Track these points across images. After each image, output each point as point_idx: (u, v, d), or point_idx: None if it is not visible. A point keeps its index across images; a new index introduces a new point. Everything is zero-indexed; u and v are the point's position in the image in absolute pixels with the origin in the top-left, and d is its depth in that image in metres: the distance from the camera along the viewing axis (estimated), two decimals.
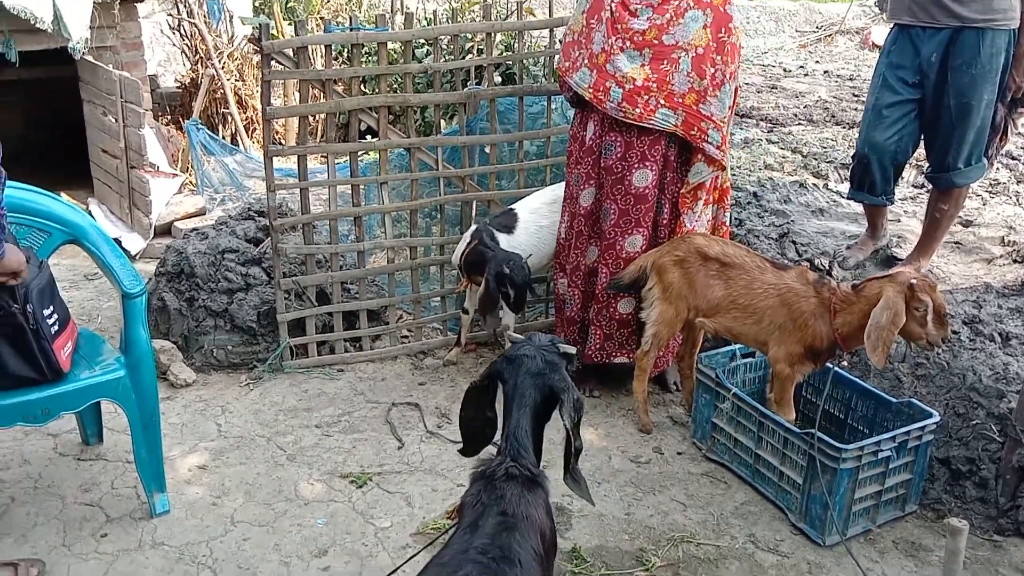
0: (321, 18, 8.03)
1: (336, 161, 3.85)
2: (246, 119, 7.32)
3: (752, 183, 5.29)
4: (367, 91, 3.96)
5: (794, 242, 4.38)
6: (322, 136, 4.78)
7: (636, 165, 3.37)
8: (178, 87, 7.56)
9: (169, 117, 7.41)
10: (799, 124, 6.87)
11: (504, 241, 3.80)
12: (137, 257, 5.31)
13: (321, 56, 4.84)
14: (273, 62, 3.46)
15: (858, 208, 4.73)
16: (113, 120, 5.32)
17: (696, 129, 3.29)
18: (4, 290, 2.52)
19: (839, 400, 3.30)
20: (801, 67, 10.02)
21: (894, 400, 3.08)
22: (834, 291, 3.04)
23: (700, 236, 3.44)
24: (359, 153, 3.89)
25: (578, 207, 3.58)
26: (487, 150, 4.09)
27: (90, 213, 5.76)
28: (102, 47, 5.58)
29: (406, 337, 4.23)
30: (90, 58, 5.39)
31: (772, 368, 3.20)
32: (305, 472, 3.25)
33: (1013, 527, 2.90)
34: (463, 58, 3.94)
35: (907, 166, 5.20)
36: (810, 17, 13.23)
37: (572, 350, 2.16)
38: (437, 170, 3.93)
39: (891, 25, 3.87)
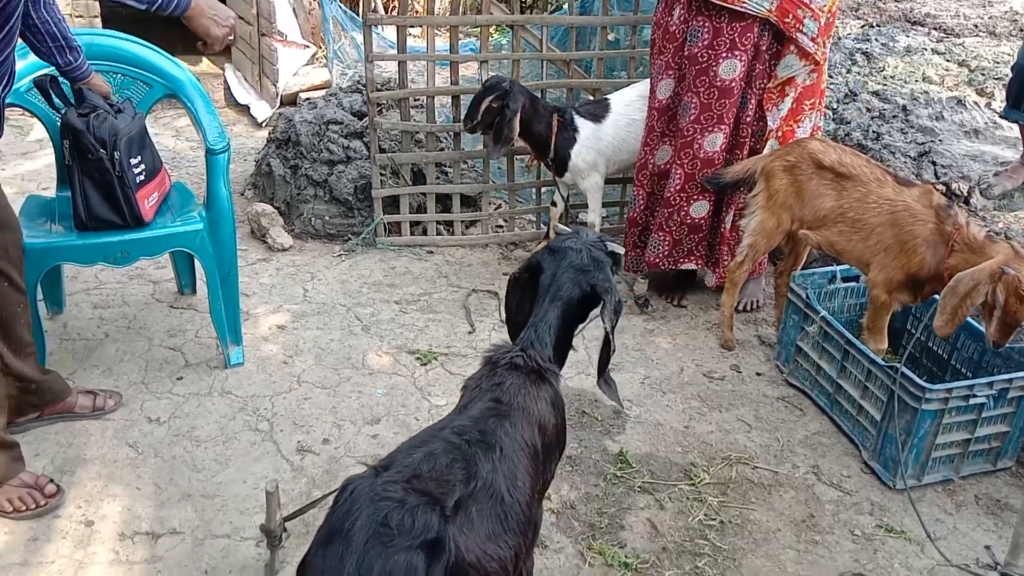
0: None
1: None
2: None
3: (903, 95, 4.79)
4: None
5: (933, 162, 3.95)
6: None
7: (724, 54, 3.07)
8: None
9: None
10: (977, 36, 6.11)
11: (588, 129, 3.60)
12: (263, 124, 5.47)
13: None
14: None
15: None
16: None
17: (791, 16, 2.94)
18: (95, 138, 2.62)
19: (945, 338, 2.99)
20: None
21: (1005, 344, 2.74)
22: (959, 226, 2.65)
23: (816, 141, 3.13)
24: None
25: (655, 100, 3.32)
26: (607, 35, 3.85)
27: (226, 79, 5.97)
28: None
29: (500, 227, 4.16)
30: None
31: (869, 292, 2.91)
32: (376, 344, 3.30)
33: None
34: None
35: None
36: None
37: (620, 250, 2.01)
38: (541, 52, 3.75)
39: None
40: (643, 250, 3.53)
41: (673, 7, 3.20)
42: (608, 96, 3.71)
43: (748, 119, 3.21)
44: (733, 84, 3.12)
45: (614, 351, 1.99)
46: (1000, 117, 4.07)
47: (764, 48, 3.09)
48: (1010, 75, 3.65)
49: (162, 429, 2.77)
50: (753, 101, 3.19)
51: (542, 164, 3.82)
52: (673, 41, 3.22)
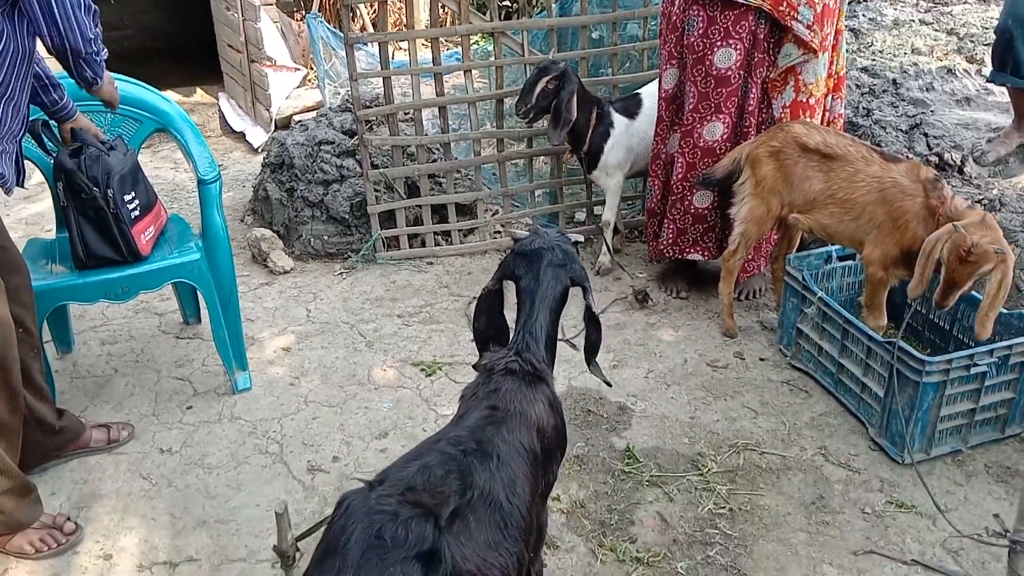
0: None
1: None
2: (373, 13, 7.33)
3: (893, 69, 4.77)
4: None
5: (925, 134, 3.94)
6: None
7: (719, 43, 3.08)
8: None
9: (303, 12, 7.54)
10: (965, 3, 6.08)
11: (622, 125, 3.63)
12: (259, 150, 5.51)
13: None
14: None
15: None
16: (234, 14, 5.45)
17: (785, 4, 2.94)
18: (87, 177, 2.67)
19: (945, 309, 2.97)
20: None
21: (1004, 311, 2.74)
22: (944, 199, 2.67)
23: (799, 125, 3.14)
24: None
25: (662, 90, 3.34)
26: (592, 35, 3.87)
27: (220, 108, 6.02)
28: None
29: (498, 232, 4.18)
30: None
31: (865, 270, 2.92)
32: (380, 359, 3.33)
33: None
34: None
35: None
36: None
37: (581, 238, 2.10)
38: (523, 56, 3.77)
39: None
40: (658, 241, 3.55)
41: None
42: (640, 91, 3.73)
43: (751, 108, 3.21)
44: (730, 73, 3.13)
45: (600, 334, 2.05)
46: (987, 81, 4.06)
47: (762, 37, 3.09)
48: (995, 38, 3.64)
49: (174, 459, 2.81)
50: (755, 90, 3.18)
51: (534, 165, 3.84)
52: (674, 31, 3.24)
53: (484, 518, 1.49)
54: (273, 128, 5.54)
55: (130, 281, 2.81)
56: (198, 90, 6.35)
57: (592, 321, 2.01)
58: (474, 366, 2.07)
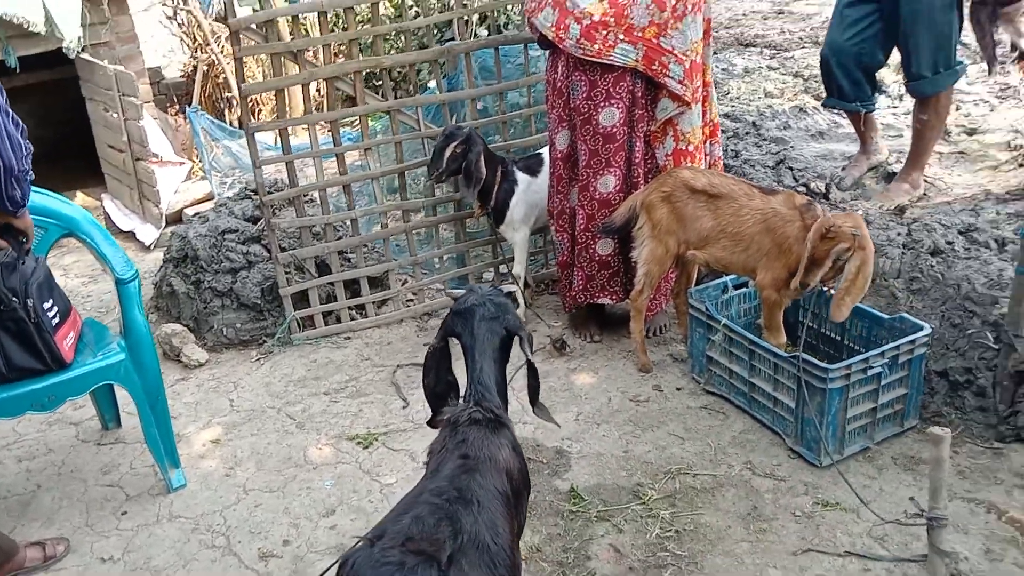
0: None
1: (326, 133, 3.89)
2: (251, 101, 7.39)
3: (751, 113, 5.21)
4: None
5: (791, 168, 4.33)
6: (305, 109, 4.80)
7: (602, 104, 3.36)
8: (182, 76, 7.66)
9: (177, 107, 7.53)
10: (803, 48, 6.71)
11: (524, 182, 3.87)
12: (152, 247, 5.44)
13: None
14: (243, 38, 3.50)
15: None
16: (114, 115, 5.42)
17: (657, 63, 3.25)
18: (5, 287, 2.63)
19: (835, 323, 3.27)
20: None
21: (886, 317, 3.06)
22: (817, 218, 2.99)
23: (686, 170, 3.42)
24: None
25: (556, 151, 3.58)
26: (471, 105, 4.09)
27: (105, 209, 5.91)
28: (97, 44, 5.68)
29: (411, 301, 4.29)
30: (86, 56, 5.48)
31: (760, 294, 3.19)
32: (314, 438, 3.35)
33: (1013, 433, 2.87)
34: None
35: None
36: None
37: (513, 288, 2.26)
38: (419, 130, 3.95)
39: None
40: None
41: (557, 65, 3.48)
42: (541, 151, 3.97)
43: (638, 160, 3.48)
44: (615, 130, 3.39)
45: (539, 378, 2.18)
46: (822, 106, 4.54)
47: (640, 95, 3.37)
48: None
49: (118, 567, 2.74)
50: (639, 143, 3.45)
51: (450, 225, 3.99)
52: (560, 96, 3.49)
53: (475, 560, 1.58)
54: (164, 224, 5.48)
55: (56, 389, 2.76)
56: (79, 194, 6.20)
57: (529, 367, 2.15)
58: (430, 423, 2.17)
